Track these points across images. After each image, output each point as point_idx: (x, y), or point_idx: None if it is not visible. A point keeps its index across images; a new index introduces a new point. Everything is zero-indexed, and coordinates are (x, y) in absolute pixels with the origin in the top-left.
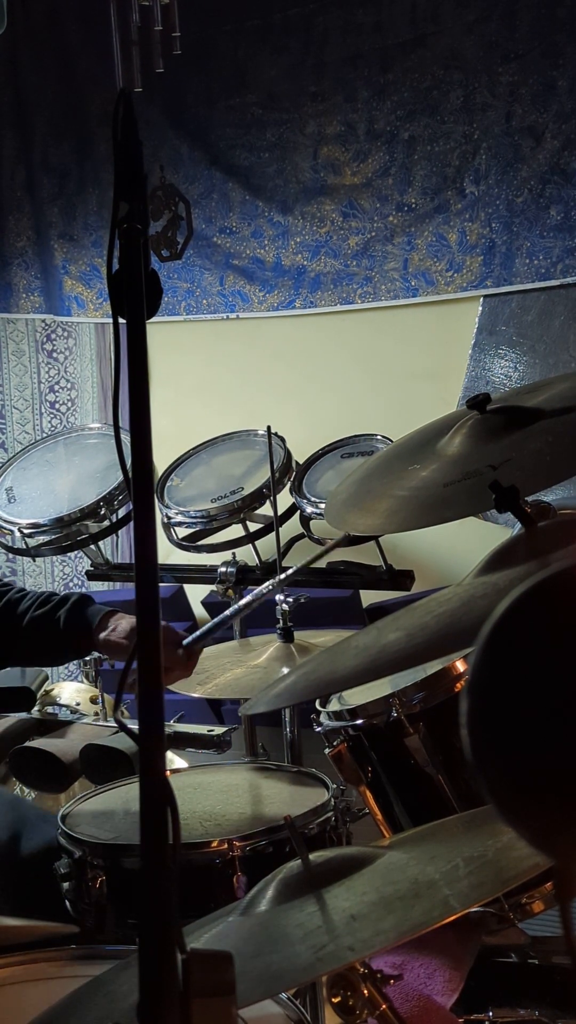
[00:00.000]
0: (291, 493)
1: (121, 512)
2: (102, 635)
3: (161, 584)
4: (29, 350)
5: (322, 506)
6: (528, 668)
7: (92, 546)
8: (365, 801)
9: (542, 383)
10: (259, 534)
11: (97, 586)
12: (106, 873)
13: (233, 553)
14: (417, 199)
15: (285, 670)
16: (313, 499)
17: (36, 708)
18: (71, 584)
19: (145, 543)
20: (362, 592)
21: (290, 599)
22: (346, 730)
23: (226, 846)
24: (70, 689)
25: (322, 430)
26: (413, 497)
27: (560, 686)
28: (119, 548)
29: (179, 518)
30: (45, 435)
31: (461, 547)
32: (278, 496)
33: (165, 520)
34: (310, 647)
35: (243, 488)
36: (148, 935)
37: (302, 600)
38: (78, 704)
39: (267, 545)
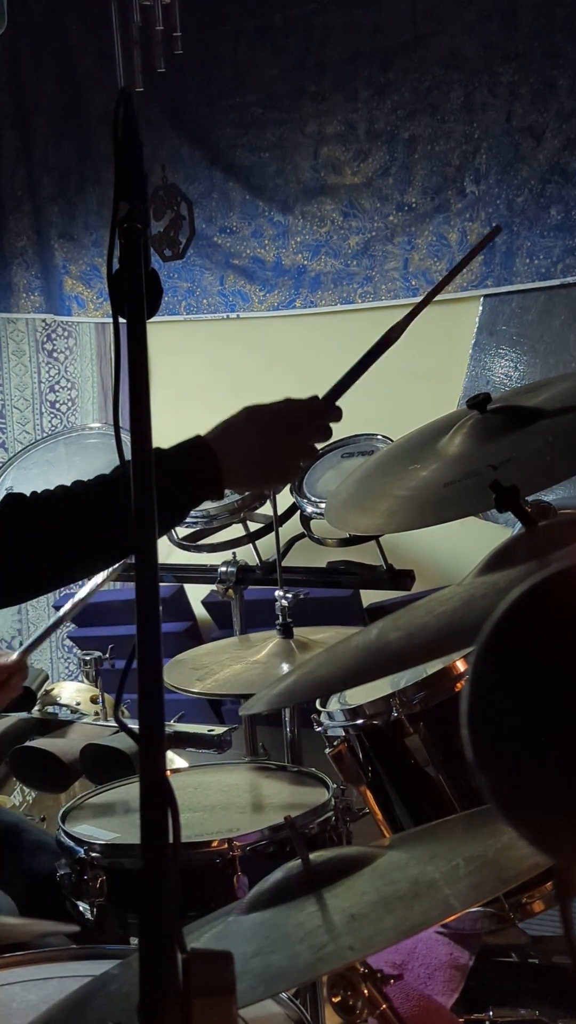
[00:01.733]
0: (291, 493)
1: None
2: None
3: (161, 584)
4: (29, 350)
5: (322, 506)
6: (528, 668)
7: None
8: (365, 801)
9: (542, 383)
10: (259, 534)
11: None
12: (106, 873)
13: (233, 553)
14: (417, 199)
15: (285, 666)
16: (313, 499)
17: (36, 708)
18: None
19: (145, 543)
20: (362, 592)
21: (289, 595)
22: (346, 730)
23: (226, 846)
24: (70, 689)
25: None
26: (413, 497)
27: (560, 686)
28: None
29: None
30: (45, 435)
31: (461, 547)
32: (278, 496)
33: None
34: (310, 643)
35: None
36: (148, 935)
37: (301, 596)
38: (78, 704)
39: (267, 545)
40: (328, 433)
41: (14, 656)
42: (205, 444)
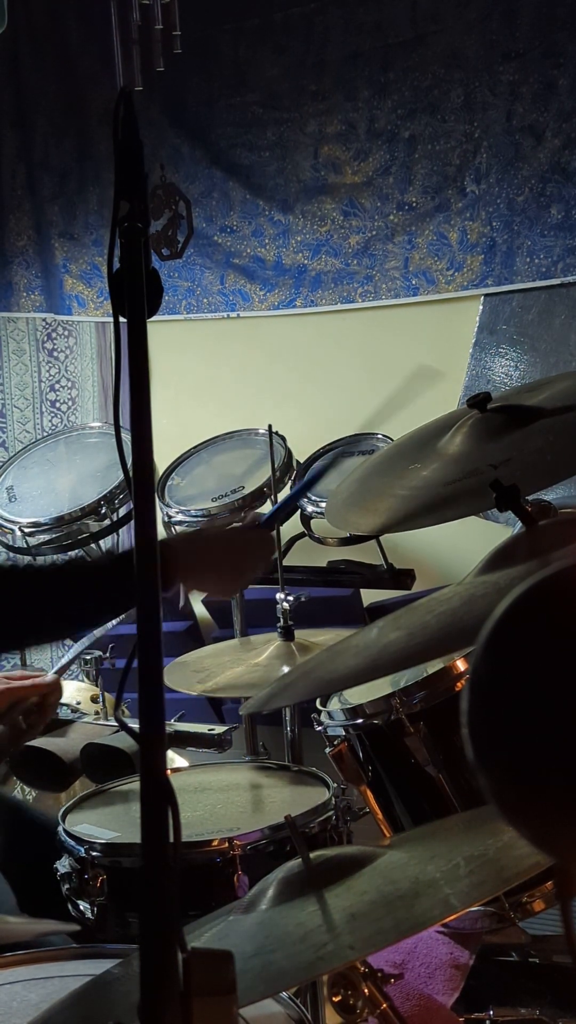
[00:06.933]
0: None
1: (122, 511)
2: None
3: None
4: (30, 349)
5: (323, 505)
6: (529, 667)
7: (92, 545)
8: (365, 800)
9: (543, 382)
10: None
11: None
12: (107, 872)
13: None
14: (418, 198)
15: (285, 669)
16: (314, 498)
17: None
18: None
19: (146, 542)
20: (363, 591)
21: (290, 598)
22: (347, 729)
23: (227, 845)
24: (70, 688)
25: (322, 429)
26: (414, 496)
27: (561, 685)
28: (120, 547)
29: (180, 517)
30: (46, 434)
31: (462, 546)
32: (279, 495)
33: (166, 519)
34: (311, 646)
35: (244, 487)
36: (149, 934)
37: (302, 599)
38: (79, 703)
39: None
40: (268, 561)
41: (49, 676)
42: (166, 547)
